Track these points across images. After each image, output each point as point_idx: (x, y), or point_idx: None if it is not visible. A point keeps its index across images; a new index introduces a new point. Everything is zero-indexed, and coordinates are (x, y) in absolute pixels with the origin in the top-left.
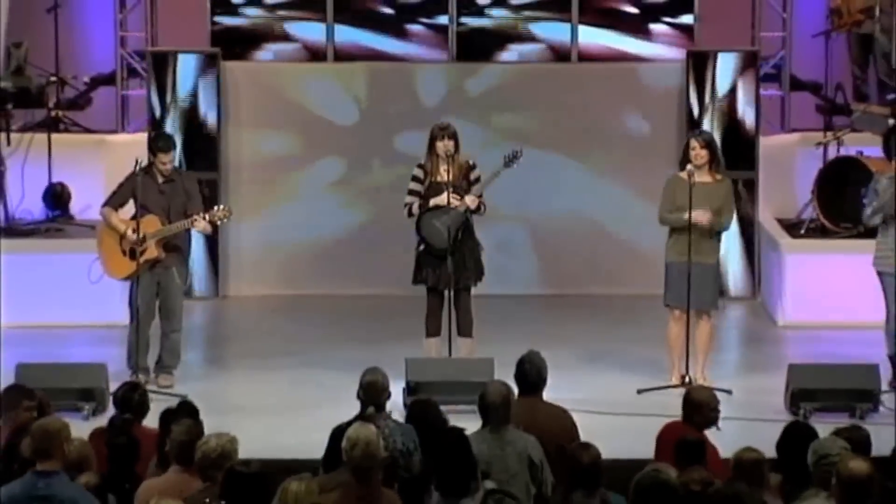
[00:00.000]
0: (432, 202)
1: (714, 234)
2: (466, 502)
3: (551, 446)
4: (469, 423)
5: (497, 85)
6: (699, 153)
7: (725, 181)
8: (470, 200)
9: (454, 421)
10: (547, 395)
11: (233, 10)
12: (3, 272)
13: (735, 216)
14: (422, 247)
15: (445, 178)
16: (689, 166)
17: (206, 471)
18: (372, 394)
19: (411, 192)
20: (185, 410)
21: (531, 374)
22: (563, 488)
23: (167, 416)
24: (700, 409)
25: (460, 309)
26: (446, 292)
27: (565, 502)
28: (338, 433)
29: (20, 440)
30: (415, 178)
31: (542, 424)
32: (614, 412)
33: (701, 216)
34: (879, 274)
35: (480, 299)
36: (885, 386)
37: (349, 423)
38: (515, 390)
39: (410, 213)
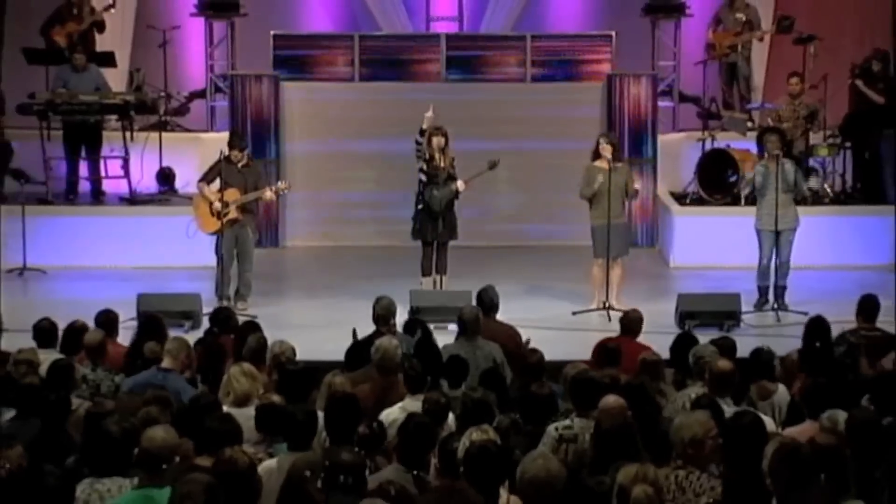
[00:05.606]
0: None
1: (624, 200)
2: (455, 392)
3: (504, 350)
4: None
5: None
6: (605, 147)
7: (626, 165)
8: (461, 185)
9: (443, 334)
10: (508, 315)
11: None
12: (125, 232)
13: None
14: (420, 206)
15: (439, 164)
16: (607, 155)
17: (271, 369)
18: (383, 315)
19: (421, 170)
20: (251, 325)
21: (486, 301)
22: (519, 381)
23: (240, 330)
24: (639, 324)
25: (441, 256)
26: (435, 244)
27: (523, 390)
28: (354, 345)
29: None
30: (418, 156)
31: (494, 335)
32: (556, 327)
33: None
34: (757, 231)
35: (460, 249)
36: (751, 308)
37: (362, 339)
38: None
39: (420, 182)
